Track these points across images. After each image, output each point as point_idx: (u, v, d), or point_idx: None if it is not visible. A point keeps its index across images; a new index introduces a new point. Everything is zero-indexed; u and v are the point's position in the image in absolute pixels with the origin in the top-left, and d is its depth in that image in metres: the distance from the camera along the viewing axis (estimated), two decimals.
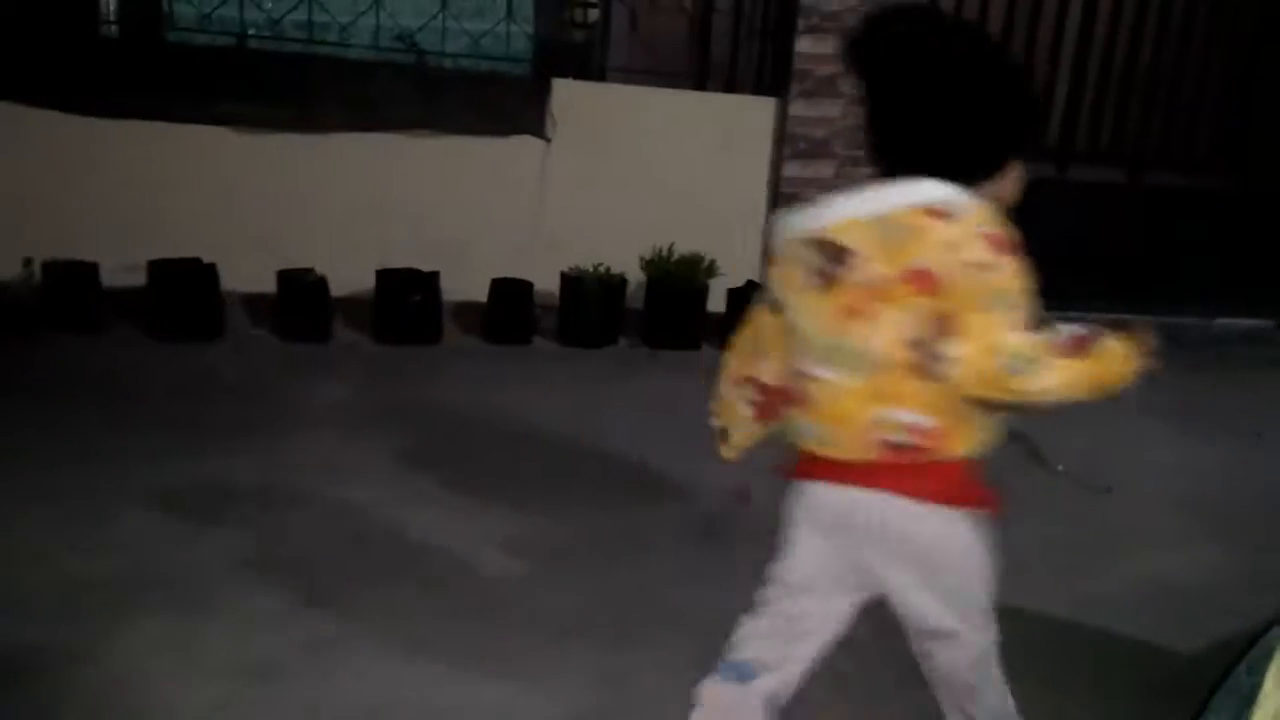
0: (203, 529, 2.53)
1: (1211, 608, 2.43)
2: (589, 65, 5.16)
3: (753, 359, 1.59)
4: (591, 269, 4.69)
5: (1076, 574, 2.58)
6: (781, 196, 5.07)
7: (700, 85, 5.29)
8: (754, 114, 5.07)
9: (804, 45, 4.91)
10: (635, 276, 4.80)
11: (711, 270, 4.79)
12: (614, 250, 4.75)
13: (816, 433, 1.46)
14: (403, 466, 3.02)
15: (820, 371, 1.41)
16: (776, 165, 5.08)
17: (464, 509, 2.76)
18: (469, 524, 2.68)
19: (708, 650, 2.14)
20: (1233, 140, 5.99)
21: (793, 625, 1.60)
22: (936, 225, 1.33)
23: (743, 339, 1.62)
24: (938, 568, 1.48)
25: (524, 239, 4.87)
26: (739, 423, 1.64)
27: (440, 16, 4.91)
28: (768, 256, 1.53)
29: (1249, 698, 0.88)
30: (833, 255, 1.37)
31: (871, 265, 1.35)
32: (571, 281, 4.64)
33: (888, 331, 1.36)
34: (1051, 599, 2.44)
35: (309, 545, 2.49)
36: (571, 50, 5.19)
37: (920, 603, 1.50)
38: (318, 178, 4.64)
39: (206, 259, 4.30)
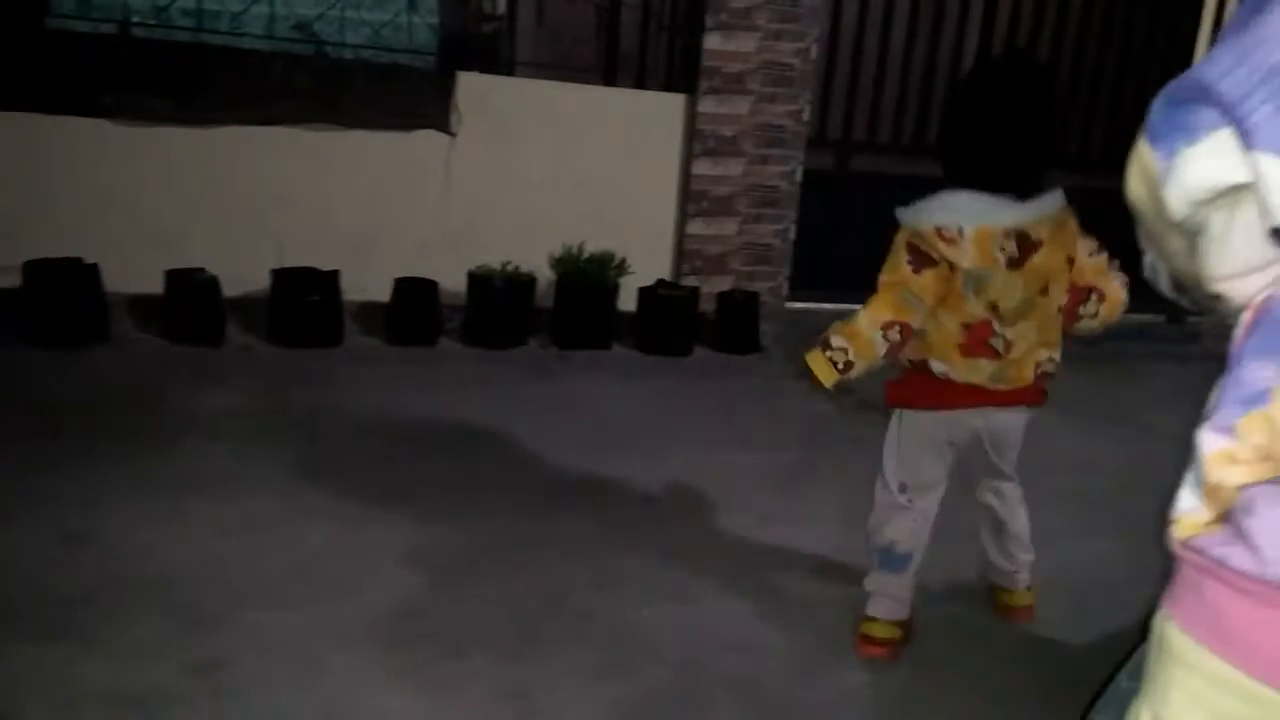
0: (78, 549, 2.37)
1: (1106, 600, 2.48)
2: (495, 58, 5.05)
3: (904, 308, 1.99)
4: (499, 268, 4.59)
5: (974, 568, 2.61)
6: (691, 194, 5.06)
7: (609, 80, 5.23)
8: (663, 110, 5.04)
9: (712, 42, 4.90)
10: (544, 275, 4.73)
11: (622, 269, 4.75)
12: (522, 248, 4.67)
13: (993, 372, 2.03)
14: (298, 476, 2.89)
15: (1008, 329, 2.00)
16: (686, 162, 5.07)
17: (363, 520, 2.65)
18: (368, 535, 2.57)
19: (611, 658, 2.11)
20: (1125, 142, 6.22)
21: (924, 516, 2.21)
22: (1071, 220, 2.03)
23: (893, 292, 2.00)
24: (1017, 442, 2.22)
25: (428, 237, 4.75)
26: (869, 358, 2.03)
27: (339, 6, 4.75)
28: (942, 234, 1.95)
29: (1128, 705, 0.87)
30: (1026, 244, 1.95)
31: (1051, 251, 1.98)
32: (479, 281, 4.54)
33: (1058, 297, 2.03)
34: (951, 593, 2.47)
35: (194, 562, 2.35)
36: (477, 42, 5.07)
37: (1005, 464, 2.24)
38: (209, 173, 4.44)
39: (88, 259, 4.08)
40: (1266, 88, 0.67)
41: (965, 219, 1.94)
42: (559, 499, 2.91)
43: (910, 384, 2.12)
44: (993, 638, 2.32)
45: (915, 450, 2.16)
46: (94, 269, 4.05)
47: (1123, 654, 1.28)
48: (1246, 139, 0.69)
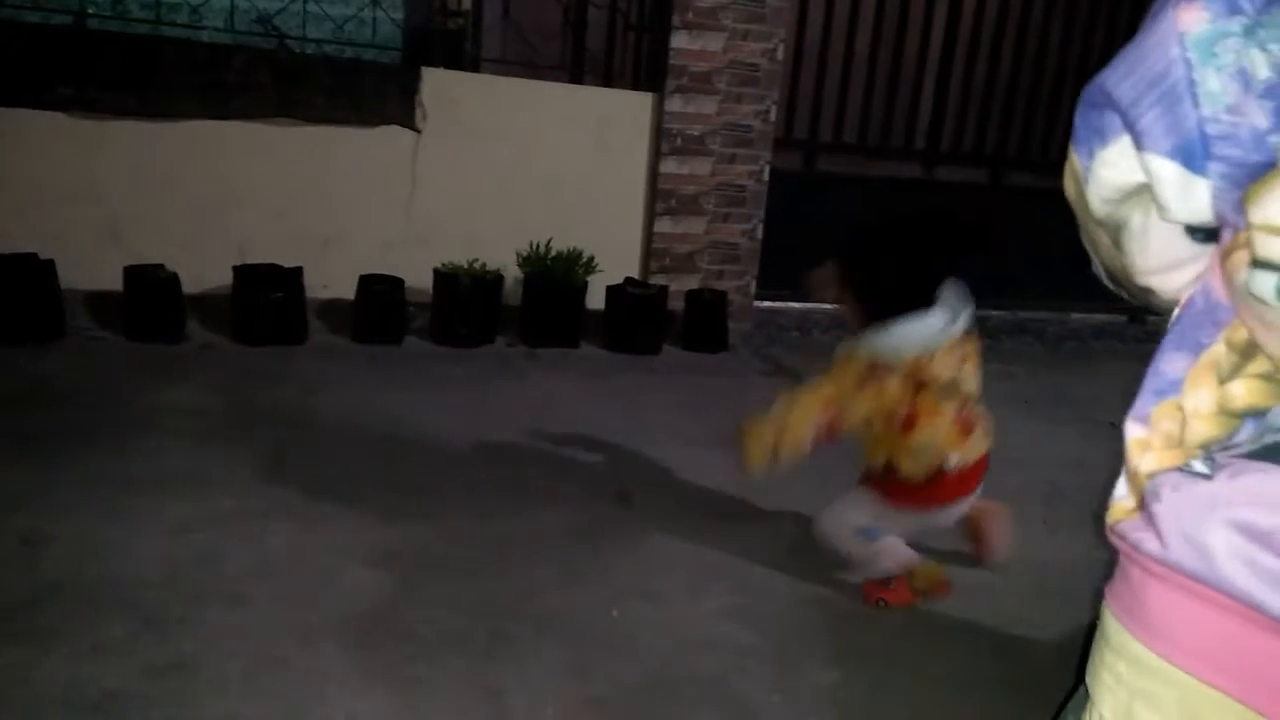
0: (36, 549, 2.31)
1: (1076, 596, 2.51)
2: (460, 54, 5.01)
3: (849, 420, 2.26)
4: (466, 265, 4.56)
5: (947, 565, 2.63)
6: (659, 193, 5.05)
7: (576, 78, 5.21)
8: (631, 109, 5.03)
9: (680, 41, 4.89)
10: (512, 273, 4.70)
11: (590, 267, 4.73)
12: (489, 246, 4.64)
13: (982, 435, 2.33)
14: (262, 475, 2.84)
15: (976, 405, 2.32)
16: (654, 161, 5.06)
17: (329, 520, 2.61)
18: (334, 536, 2.53)
19: (582, 658, 2.09)
20: None
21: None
22: None
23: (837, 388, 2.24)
24: None
25: (394, 234, 4.70)
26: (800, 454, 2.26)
27: None
28: (922, 360, 2.20)
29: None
30: (969, 338, 2.28)
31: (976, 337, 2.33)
32: (445, 278, 4.50)
33: None
34: None
35: (156, 562, 2.30)
36: (442, 38, 5.03)
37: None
38: (168, 168, 4.36)
39: (44, 254, 3.99)
40: (1152, 93, 0.72)
41: (935, 341, 2.20)
42: (527, 497, 2.89)
43: (924, 491, 2.31)
44: (964, 635, 2.34)
45: (898, 526, 2.40)
46: (50, 265, 3.96)
47: (1080, 669, 1.29)
48: (1137, 141, 0.74)
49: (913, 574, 2.40)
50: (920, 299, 2.19)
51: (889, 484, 2.35)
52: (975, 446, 2.29)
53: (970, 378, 2.28)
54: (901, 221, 2.28)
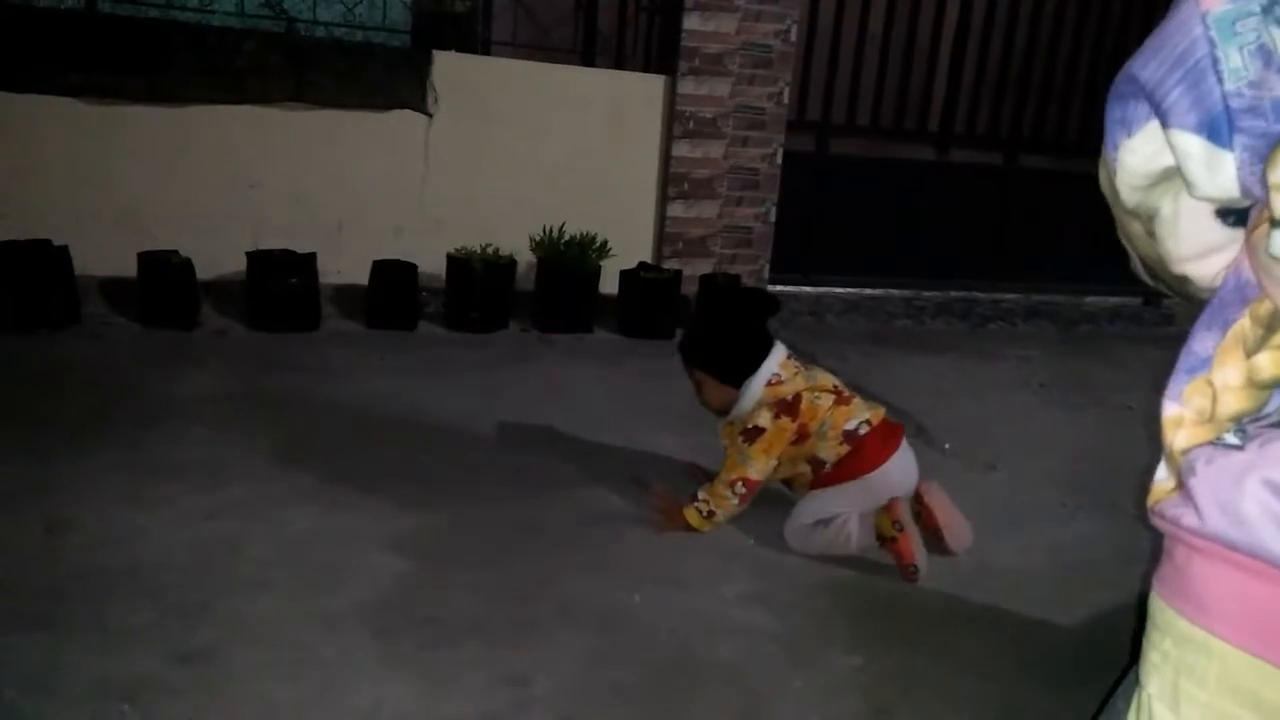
0: (60, 536, 2.32)
1: (1093, 580, 2.51)
2: (471, 37, 4.99)
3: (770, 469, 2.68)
4: (479, 250, 4.55)
5: (966, 550, 2.63)
6: (672, 176, 5.03)
7: (587, 61, 5.19)
8: (643, 91, 5.01)
9: (691, 22, 4.86)
10: (525, 258, 4.69)
11: (603, 251, 4.72)
12: (502, 230, 4.63)
13: (871, 409, 2.67)
14: (279, 461, 2.85)
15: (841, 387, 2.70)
16: (666, 144, 5.04)
17: (347, 505, 2.62)
18: (352, 521, 2.54)
19: (604, 644, 2.09)
20: (1099, 126, 6.28)
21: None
22: None
23: (735, 458, 2.64)
24: None
25: (407, 219, 4.70)
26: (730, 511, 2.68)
27: None
28: (772, 382, 2.60)
29: None
30: (793, 360, 2.70)
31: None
32: (458, 263, 4.49)
33: None
34: (941, 575, 2.48)
35: (179, 549, 2.31)
36: (452, 21, 5.00)
37: None
38: (181, 153, 4.36)
39: (58, 241, 3.99)
40: (1177, 72, 0.76)
41: (771, 368, 2.58)
42: (543, 483, 2.89)
43: (854, 457, 2.54)
44: (986, 619, 2.34)
45: (849, 503, 2.53)
46: (64, 251, 3.96)
47: (1116, 679, 1.29)
48: (1164, 119, 0.78)
49: (882, 529, 2.48)
50: (761, 354, 2.60)
51: (822, 473, 2.57)
52: (862, 409, 2.59)
53: (820, 374, 2.64)
54: (720, 307, 2.70)
